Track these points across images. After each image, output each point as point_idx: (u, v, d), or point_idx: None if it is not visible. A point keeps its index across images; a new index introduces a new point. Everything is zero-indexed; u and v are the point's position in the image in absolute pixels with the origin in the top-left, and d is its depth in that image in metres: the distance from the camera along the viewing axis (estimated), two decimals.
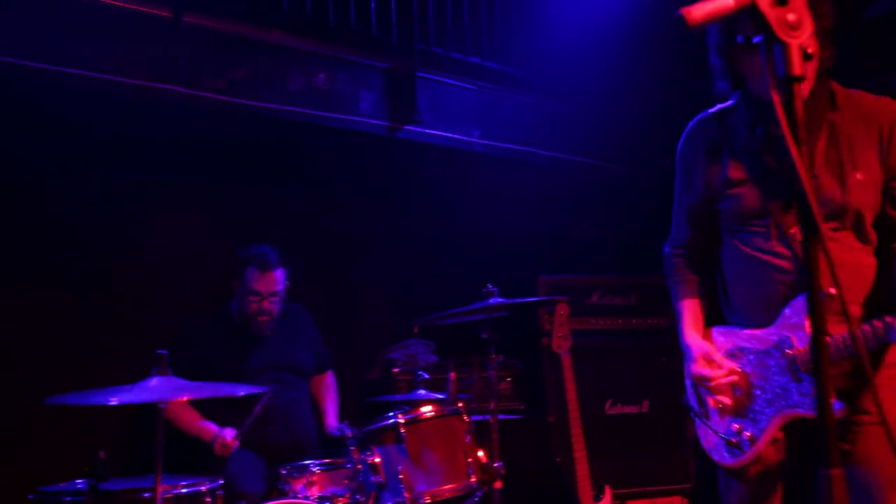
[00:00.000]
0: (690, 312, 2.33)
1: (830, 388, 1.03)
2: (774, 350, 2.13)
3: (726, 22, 1.09)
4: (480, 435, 3.10)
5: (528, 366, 4.55)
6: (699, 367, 2.20)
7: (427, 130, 4.33)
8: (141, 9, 3.51)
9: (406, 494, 2.77)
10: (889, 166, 2.07)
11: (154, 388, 2.45)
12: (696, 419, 2.30)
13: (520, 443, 4.18)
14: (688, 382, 2.34)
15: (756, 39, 1.09)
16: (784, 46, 1.07)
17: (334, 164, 4.56)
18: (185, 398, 2.46)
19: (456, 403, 3.03)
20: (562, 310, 3.72)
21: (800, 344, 2.07)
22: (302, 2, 3.99)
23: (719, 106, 2.27)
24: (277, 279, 3.71)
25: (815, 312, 1.07)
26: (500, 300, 3.12)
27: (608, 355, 4.53)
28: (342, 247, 4.69)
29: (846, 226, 2.08)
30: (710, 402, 2.24)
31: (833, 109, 2.09)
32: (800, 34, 1.08)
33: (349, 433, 3.51)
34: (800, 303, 2.09)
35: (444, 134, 4.41)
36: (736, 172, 2.17)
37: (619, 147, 5.12)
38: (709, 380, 2.18)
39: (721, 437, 2.20)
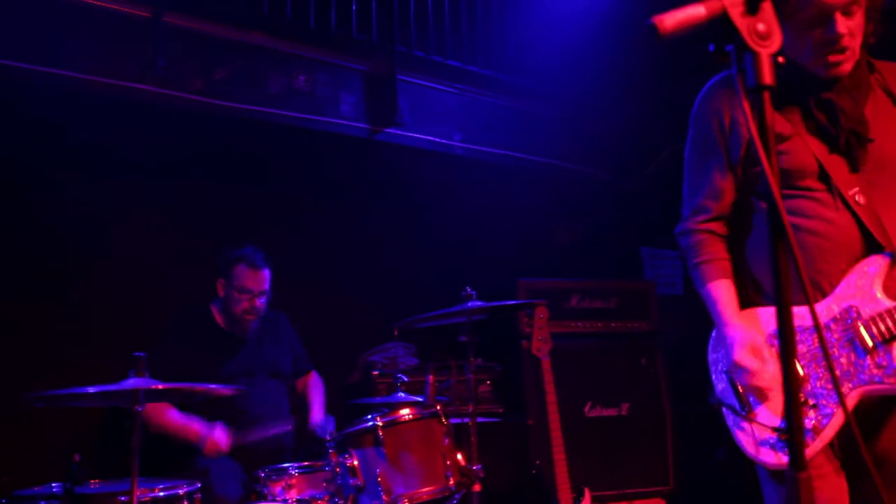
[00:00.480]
0: (727, 296, 2.09)
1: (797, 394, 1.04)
2: (835, 323, 1.99)
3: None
4: (459, 438, 3.10)
5: (507, 369, 4.56)
6: (745, 359, 1.98)
7: (408, 133, 4.34)
8: (121, 9, 3.51)
9: (384, 497, 2.77)
10: None
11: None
12: (735, 418, 2.05)
13: (499, 446, 4.18)
14: (723, 378, 2.11)
15: (727, 48, 1.10)
16: (754, 56, 1.09)
17: (315, 167, 4.56)
18: (161, 387, 2.43)
19: (434, 406, 3.03)
20: (541, 313, 3.73)
21: (870, 311, 1.93)
22: (282, 4, 3.99)
23: None
24: (266, 278, 3.74)
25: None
26: (479, 303, 3.13)
27: (588, 358, 4.54)
28: (322, 249, 4.69)
29: None
30: (756, 395, 2.02)
31: (874, 72, 2.09)
32: (770, 44, 1.10)
33: (328, 435, 3.51)
34: (864, 267, 1.95)
35: (424, 137, 4.42)
36: (783, 126, 2.02)
37: (601, 152, 5.16)
38: (754, 373, 1.97)
39: (776, 432, 1.97)
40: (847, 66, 1.99)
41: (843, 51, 1.95)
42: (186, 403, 3.50)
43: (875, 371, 1.92)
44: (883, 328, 1.93)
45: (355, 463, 2.85)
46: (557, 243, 5.24)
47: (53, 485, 2.73)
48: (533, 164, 4.85)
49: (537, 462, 3.95)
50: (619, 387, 4.54)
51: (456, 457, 2.94)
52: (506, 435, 4.32)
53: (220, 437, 3.41)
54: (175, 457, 3.46)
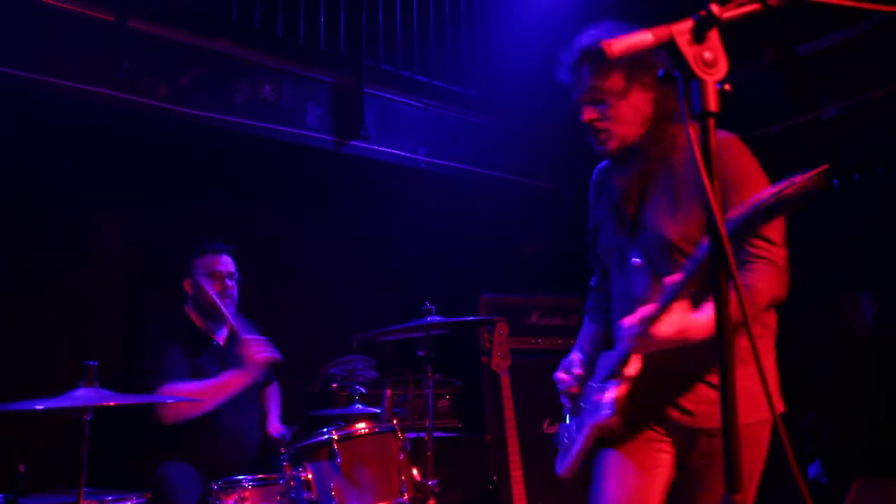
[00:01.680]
0: (583, 334, 2.55)
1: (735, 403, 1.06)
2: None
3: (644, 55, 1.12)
4: (416, 452, 3.10)
5: (467, 384, 4.57)
6: (557, 372, 2.45)
7: (373, 146, 4.34)
8: (84, 11, 3.46)
9: None
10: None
11: (80, 397, 2.40)
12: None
13: (457, 461, 4.18)
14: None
15: (674, 74, 1.13)
16: (700, 83, 1.12)
17: (279, 177, 4.54)
18: (112, 403, 2.39)
19: (391, 420, 3.02)
20: (501, 329, 3.75)
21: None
22: (250, 12, 3.98)
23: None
24: (230, 262, 3.76)
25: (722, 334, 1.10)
26: (438, 318, 3.13)
27: (547, 375, 4.50)
28: (285, 260, 4.66)
29: None
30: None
31: (667, 145, 2.24)
32: (716, 71, 1.13)
33: (288, 438, 3.48)
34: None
35: (389, 150, 4.43)
36: (599, 213, 2.43)
37: (563, 167, 5.20)
38: (558, 383, 2.43)
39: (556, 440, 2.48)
40: (610, 145, 2.24)
41: (595, 133, 2.24)
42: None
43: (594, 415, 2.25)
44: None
45: (310, 476, 2.83)
46: (520, 257, 5.26)
47: None
48: (496, 179, 4.88)
49: (494, 478, 3.95)
50: None
51: (411, 472, 2.93)
52: (463, 450, 4.32)
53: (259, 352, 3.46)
54: (129, 466, 3.40)
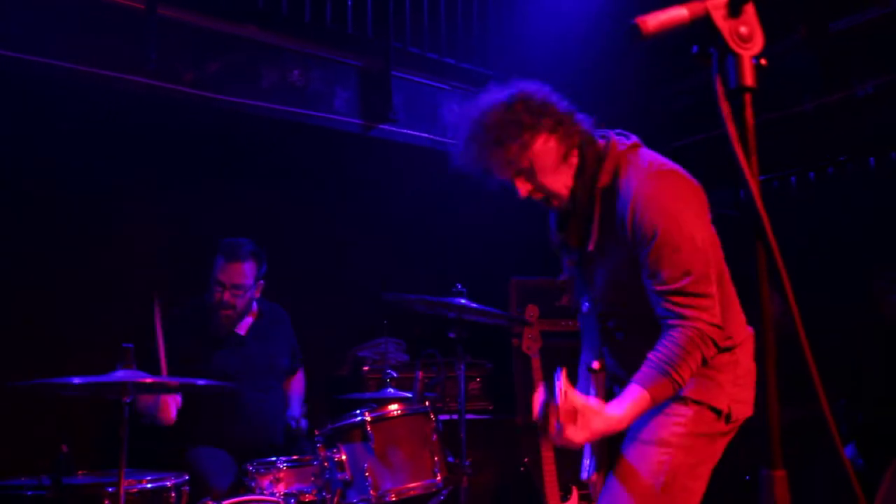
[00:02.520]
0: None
1: (774, 392, 1.06)
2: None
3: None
4: (448, 435, 3.11)
5: (497, 366, 4.58)
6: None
7: (401, 130, 4.34)
8: (114, 0, 3.49)
9: (372, 492, 2.77)
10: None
11: (121, 376, 2.44)
12: None
13: (488, 443, 4.20)
14: None
15: (710, 50, 1.12)
16: (737, 58, 1.10)
17: (307, 162, 4.55)
18: (149, 380, 2.43)
19: (423, 402, 3.04)
20: (532, 311, 3.74)
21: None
22: None
23: None
24: (244, 272, 3.58)
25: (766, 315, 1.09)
26: (469, 302, 3.13)
27: (578, 357, 4.55)
28: (314, 243, 4.69)
29: None
30: None
31: (601, 199, 2.23)
32: (752, 46, 1.11)
33: (304, 428, 3.50)
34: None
35: (418, 133, 4.42)
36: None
37: None
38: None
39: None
40: (559, 205, 2.27)
41: (543, 202, 2.27)
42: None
43: None
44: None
45: (343, 457, 2.86)
46: (550, 241, 5.24)
47: (42, 476, 2.74)
48: None
49: (526, 460, 3.96)
50: None
51: (444, 453, 2.95)
52: (495, 432, 4.34)
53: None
54: (164, 449, 3.46)
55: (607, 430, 2.04)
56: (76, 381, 2.35)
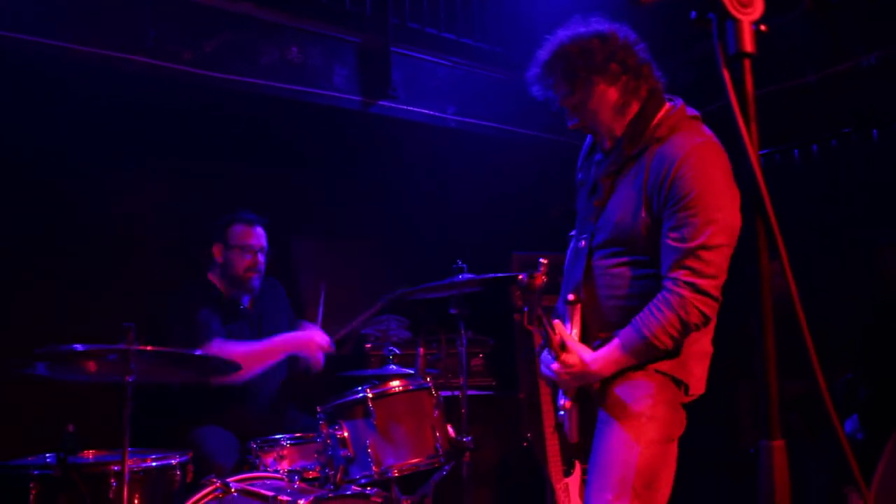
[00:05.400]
0: None
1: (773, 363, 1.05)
2: None
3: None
4: (450, 410, 3.12)
5: (500, 342, 4.58)
6: None
7: (401, 106, 4.31)
8: None
9: (374, 468, 2.78)
10: None
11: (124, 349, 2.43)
12: None
13: (490, 418, 4.22)
14: None
15: (709, 16, 1.10)
16: (736, 23, 1.09)
17: (307, 139, 4.53)
18: (150, 348, 2.44)
19: (425, 378, 3.05)
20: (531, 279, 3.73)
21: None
22: None
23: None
24: (263, 234, 3.77)
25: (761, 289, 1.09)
26: (470, 276, 3.13)
27: None
28: (314, 221, 4.68)
29: None
30: None
31: (642, 144, 2.29)
32: (751, 11, 1.09)
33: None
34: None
35: (418, 110, 4.39)
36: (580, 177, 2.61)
37: None
38: None
39: None
40: (605, 144, 2.36)
41: (581, 128, 2.40)
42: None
43: None
44: None
45: (346, 434, 2.87)
46: (551, 216, 5.23)
47: (47, 455, 2.76)
48: (526, 137, 4.82)
49: (528, 435, 3.98)
50: None
51: (446, 428, 2.96)
52: (497, 408, 4.35)
53: (324, 340, 3.58)
54: (168, 428, 3.48)
55: (580, 366, 2.26)
56: (79, 347, 2.35)
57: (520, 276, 2.39)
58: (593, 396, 2.36)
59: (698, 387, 2.33)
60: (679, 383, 2.28)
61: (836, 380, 3.98)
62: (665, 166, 2.16)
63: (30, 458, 2.76)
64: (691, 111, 2.30)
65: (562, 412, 2.44)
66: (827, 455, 3.85)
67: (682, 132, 2.22)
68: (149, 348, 2.41)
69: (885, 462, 3.53)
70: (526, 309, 2.31)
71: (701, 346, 2.32)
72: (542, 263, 2.41)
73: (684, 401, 2.32)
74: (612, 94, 2.25)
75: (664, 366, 2.26)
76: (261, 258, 3.74)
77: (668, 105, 2.29)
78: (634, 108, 2.26)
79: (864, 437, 3.92)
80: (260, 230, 3.77)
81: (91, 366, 2.58)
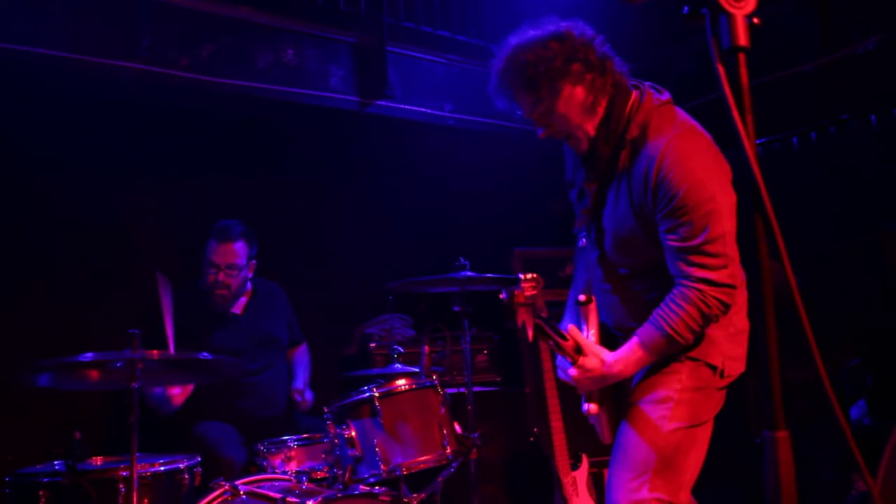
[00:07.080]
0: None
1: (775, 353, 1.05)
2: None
3: None
4: (456, 407, 3.12)
5: (503, 338, 4.59)
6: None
7: (399, 105, 4.31)
8: None
9: (382, 466, 2.79)
10: None
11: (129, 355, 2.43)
12: None
13: (496, 414, 4.22)
14: None
15: (702, 11, 1.10)
16: (729, 17, 1.09)
17: (305, 141, 4.54)
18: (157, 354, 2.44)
19: (430, 376, 3.05)
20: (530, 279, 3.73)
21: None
22: None
23: None
24: (237, 252, 3.67)
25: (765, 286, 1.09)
26: (472, 274, 3.13)
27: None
28: (316, 224, 4.69)
29: None
30: None
31: (624, 148, 2.23)
32: (744, 4, 1.10)
33: (309, 400, 3.53)
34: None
35: (415, 108, 4.40)
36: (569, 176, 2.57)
37: None
38: None
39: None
40: (581, 147, 2.28)
41: (566, 140, 2.31)
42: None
43: None
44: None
45: (353, 434, 2.87)
46: (551, 212, 5.24)
47: (55, 463, 2.77)
48: (525, 132, 4.81)
49: (535, 430, 3.98)
50: None
51: (453, 425, 2.96)
52: (503, 404, 4.36)
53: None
54: (170, 427, 3.49)
55: (600, 369, 2.21)
56: (87, 357, 2.36)
57: (501, 296, 2.36)
58: (622, 384, 2.33)
59: (735, 367, 2.27)
60: (713, 368, 2.23)
61: (843, 366, 3.98)
62: (644, 172, 2.12)
63: (38, 466, 2.77)
64: (658, 96, 2.22)
65: (591, 418, 2.41)
66: (835, 441, 3.86)
67: (653, 127, 2.15)
68: (155, 355, 2.41)
69: (891, 447, 3.54)
70: (522, 324, 2.28)
71: (734, 325, 2.27)
72: (524, 279, 2.37)
73: (720, 384, 2.26)
74: (580, 93, 2.17)
75: (695, 351, 2.21)
76: (226, 276, 3.64)
77: (634, 94, 2.21)
78: (603, 104, 2.20)
79: (872, 422, 3.93)
80: (233, 247, 3.66)
81: (95, 374, 2.58)
